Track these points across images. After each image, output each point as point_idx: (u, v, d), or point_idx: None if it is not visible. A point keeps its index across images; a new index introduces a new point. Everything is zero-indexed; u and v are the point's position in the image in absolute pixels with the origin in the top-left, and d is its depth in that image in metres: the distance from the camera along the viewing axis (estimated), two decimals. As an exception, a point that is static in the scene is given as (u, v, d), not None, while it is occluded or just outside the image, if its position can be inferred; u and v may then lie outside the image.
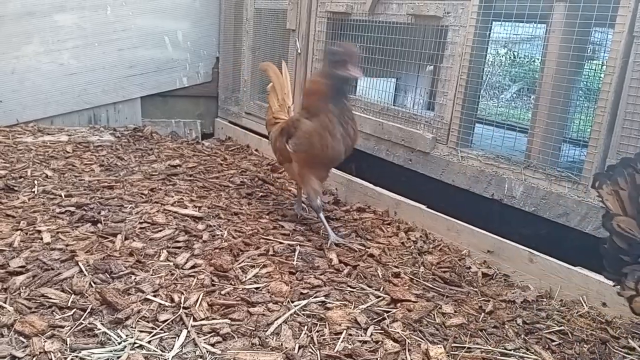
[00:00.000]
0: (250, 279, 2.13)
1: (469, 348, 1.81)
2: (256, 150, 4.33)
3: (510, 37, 3.89)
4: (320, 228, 2.79)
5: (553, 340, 1.92)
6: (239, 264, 2.24)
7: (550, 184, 2.44)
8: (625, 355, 1.88)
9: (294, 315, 1.88)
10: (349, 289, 2.14)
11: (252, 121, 4.51)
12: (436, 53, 2.96)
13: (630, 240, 1.57)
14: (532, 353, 1.83)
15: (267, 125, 3.16)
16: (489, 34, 2.77)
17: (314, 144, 2.52)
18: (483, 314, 2.07)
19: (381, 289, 2.16)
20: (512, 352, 1.82)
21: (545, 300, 2.24)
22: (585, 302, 2.17)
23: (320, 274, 2.22)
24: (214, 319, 1.83)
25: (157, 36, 4.72)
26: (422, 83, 3.78)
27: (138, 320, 1.77)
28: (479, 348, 1.82)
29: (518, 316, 2.07)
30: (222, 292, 2.00)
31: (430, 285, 2.26)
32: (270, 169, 3.84)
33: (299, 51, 3.83)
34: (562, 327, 2.01)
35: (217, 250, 2.36)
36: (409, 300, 2.08)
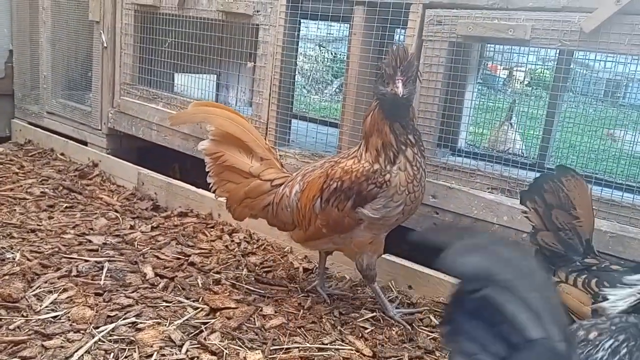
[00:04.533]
0: (46, 307, 1.88)
1: (287, 349, 1.83)
2: (62, 154, 3.87)
3: (326, 37, 4.05)
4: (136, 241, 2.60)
5: (366, 328, 2.03)
6: (33, 290, 1.97)
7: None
8: (429, 332, 2.06)
9: (99, 342, 1.71)
10: (164, 304, 2.01)
11: (57, 122, 4.03)
12: (250, 52, 2.94)
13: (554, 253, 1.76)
14: (347, 344, 1.91)
15: (241, 199, 2.18)
16: (298, 34, 2.82)
17: (406, 201, 1.96)
18: (302, 310, 2.11)
19: (200, 300, 2.08)
20: (328, 345, 1.88)
21: (359, 288, 2.37)
22: (394, 287, 2.34)
23: (132, 292, 2.06)
24: (-2, 361, 1.57)
25: None
26: (243, 81, 3.74)
27: None
28: (297, 347, 1.85)
29: (335, 308, 2.15)
30: (11, 327, 1.74)
31: (252, 288, 2.24)
32: (78, 175, 3.45)
33: (105, 45, 3.51)
34: (375, 314, 2.14)
35: (6, 278, 2.04)
36: (229, 308, 2.03)
